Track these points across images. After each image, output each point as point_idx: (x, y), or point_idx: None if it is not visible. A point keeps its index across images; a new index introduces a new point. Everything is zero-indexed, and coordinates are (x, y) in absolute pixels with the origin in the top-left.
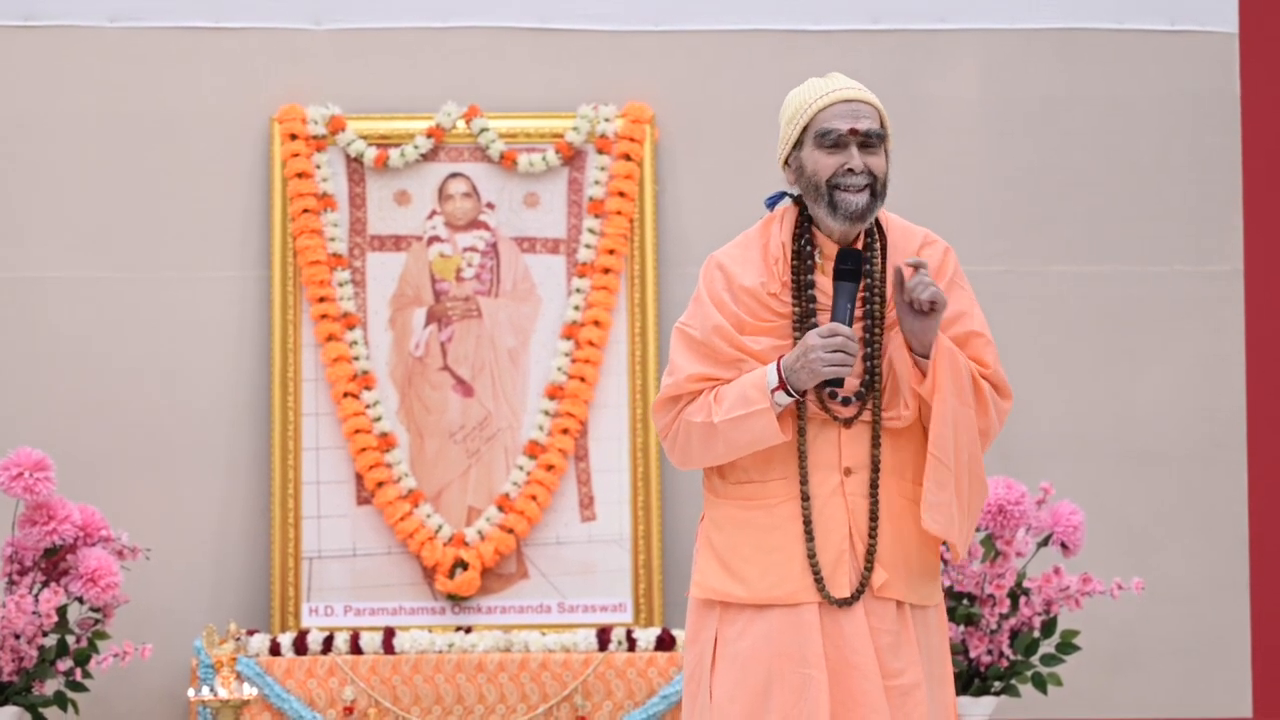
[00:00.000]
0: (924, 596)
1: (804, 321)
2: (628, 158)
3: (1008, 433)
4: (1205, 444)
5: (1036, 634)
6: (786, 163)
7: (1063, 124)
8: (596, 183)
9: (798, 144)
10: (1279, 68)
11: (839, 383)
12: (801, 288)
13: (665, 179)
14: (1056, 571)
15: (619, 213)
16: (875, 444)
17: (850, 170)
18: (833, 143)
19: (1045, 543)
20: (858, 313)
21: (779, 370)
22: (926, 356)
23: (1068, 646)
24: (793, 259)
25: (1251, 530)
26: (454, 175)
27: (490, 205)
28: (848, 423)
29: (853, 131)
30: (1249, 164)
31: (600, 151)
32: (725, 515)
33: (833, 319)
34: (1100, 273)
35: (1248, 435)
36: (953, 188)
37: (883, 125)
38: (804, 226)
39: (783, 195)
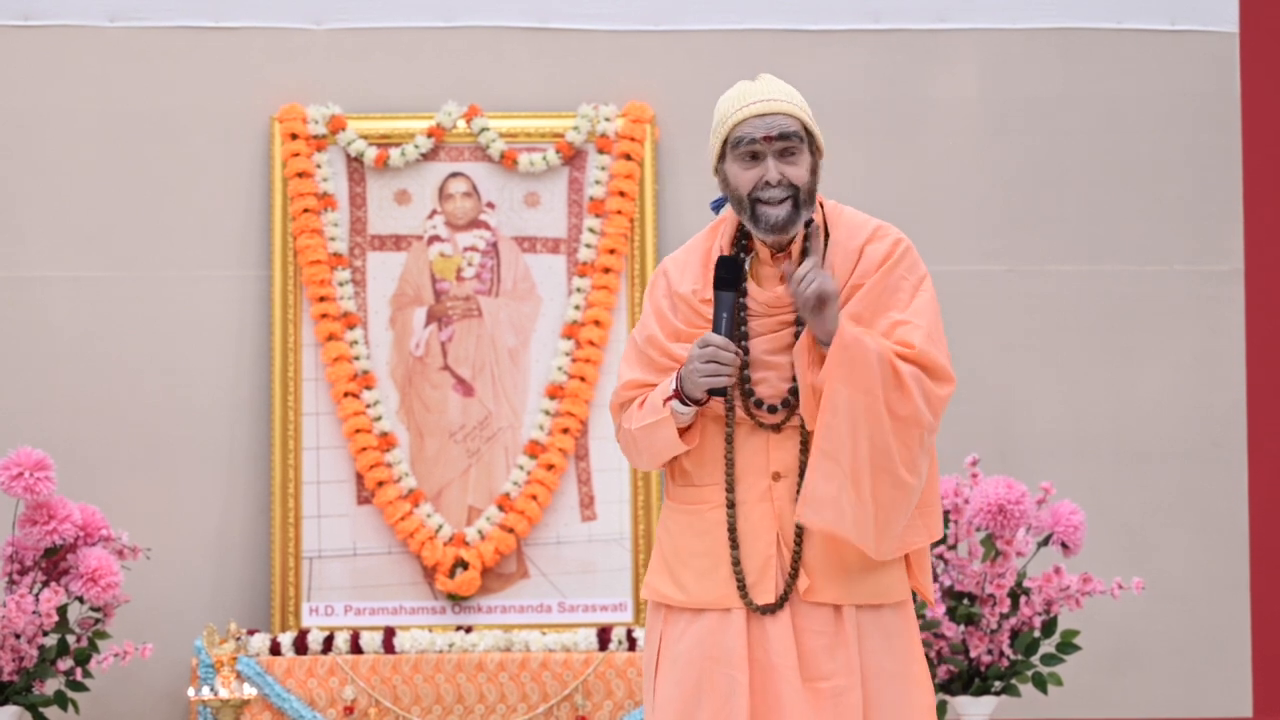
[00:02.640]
0: (872, 595)
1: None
2: (628, 157)
3: (1007, 432)
4: (1205, 443)
5: (1037, 634)
6: (716, 171)
7: (1062, 123)
8: (597, 182)
9: (721, 156)
10: (1279, 68)
11: (722, 392)
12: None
13: (665, 178)
14: (1057, 571)
15: (619, 212)
16: (803, 449)
17: (768, 183)
18: (749, 155)
19: (1045, 542)
20: (786, 318)
21: (678, 379)
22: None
23: (1068, 646)
24: None
25: (1251, 529)
26: (454, 175)
27: (490, 205)
28: (777, 428)
29: (766, 139)
30: (1249, 163)
31: (600, 151)
32: (671, 518)
33: (713, 329)
34: (1099, 272)
35: (1248, 434)
36: (952, 187)
37: (807, 129)
38: (743, 232)
39: (726, 200)
